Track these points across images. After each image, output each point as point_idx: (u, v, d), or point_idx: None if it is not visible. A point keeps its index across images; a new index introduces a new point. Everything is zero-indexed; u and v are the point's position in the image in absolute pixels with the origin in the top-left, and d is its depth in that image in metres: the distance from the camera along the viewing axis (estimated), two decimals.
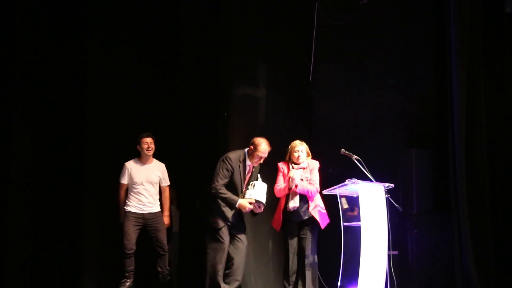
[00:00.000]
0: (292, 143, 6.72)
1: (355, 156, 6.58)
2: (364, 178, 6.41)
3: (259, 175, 6.55)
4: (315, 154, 6.92)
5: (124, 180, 7.06)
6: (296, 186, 6.44)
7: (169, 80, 8.46)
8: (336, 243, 6.43)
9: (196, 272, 7.34)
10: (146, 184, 7.01)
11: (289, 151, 6.71)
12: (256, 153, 6.47)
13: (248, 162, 6.53)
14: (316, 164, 6.67)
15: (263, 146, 6.48)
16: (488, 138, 6.73)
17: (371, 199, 6.31)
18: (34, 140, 7.80)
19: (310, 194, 6.48)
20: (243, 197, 6.45)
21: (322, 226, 6.49)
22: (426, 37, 7.51)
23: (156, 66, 8.59)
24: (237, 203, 6.36)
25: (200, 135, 7.72)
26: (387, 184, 6.43)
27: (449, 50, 6.81)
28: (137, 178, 7.01)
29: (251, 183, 6.49)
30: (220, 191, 6.35)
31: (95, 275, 7.85)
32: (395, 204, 6.58)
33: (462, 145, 6.61)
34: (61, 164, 7.89)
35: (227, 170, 6.41)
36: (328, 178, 7.03)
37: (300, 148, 6.65)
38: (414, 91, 7.50)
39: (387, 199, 6.44)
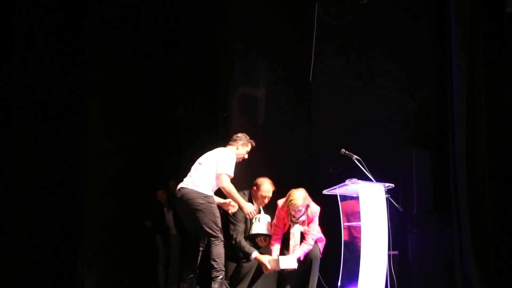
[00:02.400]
0: (291, 196, 6.12)
1: (355, 156, 6.58)
2: (364, 178, 6.40)
3: (261, 207, 6.42)
4: (315, 154, 6.89)
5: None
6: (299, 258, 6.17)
7: (169, 79, 8.48)
8: (336, 243, 6.43)
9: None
10: None
11: (287, 202, 6.15)
12: (260, 193, 6.35)
13: (254, 205, 6.31)
14: (316, 212, 6.35)
15: (266, 185, 6.35)
16: (489, 138, 6.72)
17: (371, 199, 6.31)
18: (34, 139, 7.83)
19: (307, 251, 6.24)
20: (250, 231, 6.32)
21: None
22: (427, 37, 7.50)
23: (156, 66, 8.62)
24: (253, 255, 6.15)
25: (200, 135, 7.71)
26: (387, 184, 6.43)
27: (450, 50, 6.80)
28: None
29: (255, 217, 6.27)
30: (243, 242, 6.19)
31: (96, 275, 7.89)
32: (395, 204, 6.58)
33: (462, 145, 6.60)
34: (62, 164, 7.93)
35: (242, 215, 6.24)
36: (328, 178, 7.03)
37: (299, 209, 6.13)
38: (415, 91, 7.49)
39: (387, 199, 6.43)
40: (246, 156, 6.38)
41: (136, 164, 8.47)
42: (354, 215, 6.43)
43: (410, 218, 6.92)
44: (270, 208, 6.49)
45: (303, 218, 6.27)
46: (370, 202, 6.28)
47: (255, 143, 6.49)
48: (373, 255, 6.16)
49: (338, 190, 6.41)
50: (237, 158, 6.15)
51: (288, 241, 6.25)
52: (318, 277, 6.58)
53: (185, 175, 6.18)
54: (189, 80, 8.24)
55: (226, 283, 5.87)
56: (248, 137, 6.31)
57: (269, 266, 6.07)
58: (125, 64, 8.28)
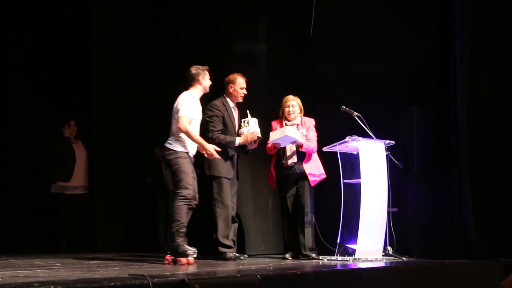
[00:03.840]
0: (284, 97, 6.63)
1: (355, 113, 6.54)
2: (365, 135, 6.37)
3: (248, 111, 6.39)
4: (316, 110, 6.86)
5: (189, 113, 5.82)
6: (301, 146, 6.39)
7: (168, 39, 8.43)
8: (336, 200, 6.44)
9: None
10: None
11: (281, 106, 6.63)
12: (236, 87, 6.38)
13: (231, 104, 6.43)
14: (312, 122, 6.64)
15: (240, 78, 6.41)
16: (491, 96, 6.67)
17: (371, 156, 6.29)
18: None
19: (312, 152, 6.45)
20: (240, 134, 6.32)
21: (313, 183, 6.47)
22: None
23: (154, 24, 8.56)
24: (237, 141, 6.25)
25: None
26: (387, 141, 6.40)
27: (453, 6, 6.69)
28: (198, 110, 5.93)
29: (242, 120, 6.36)
30: (220, 136, 6.23)
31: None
32: (396, 162, 6.57)
33: (464, 102, 6.55)
34: None
35: (217, 116, 6.30)
36: (328, 135, 6.99)
37: (292, 103, 6.56)
38: (417, 48, 7.39)
39: (387, 156, 6.42)
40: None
41: (138, 123, 8.65)
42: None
43: (410, 176, 6.91)
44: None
45: (297, 121, 6.51)
46: (370, 159, 6.27)
47: (258, 99, 6.58)
48: (372, 212, 6.18)
49: (338, 147, 6.39)
50: (204, 90, 5.94)
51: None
52: (318, 233, 6.62)
53: None
54: (188, 38, 8.15)
55: (183, 235, 5.61)
56: (200, 66, 5.97)
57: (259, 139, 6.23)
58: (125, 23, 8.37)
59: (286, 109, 6.56)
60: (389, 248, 6.35)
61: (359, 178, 6.20)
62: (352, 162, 6.57)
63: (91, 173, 8.21)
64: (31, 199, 8.14)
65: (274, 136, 6.36)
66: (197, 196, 5.68)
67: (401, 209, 6.86)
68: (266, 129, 6.53)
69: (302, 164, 6.48)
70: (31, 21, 8.22)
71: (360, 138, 6.24)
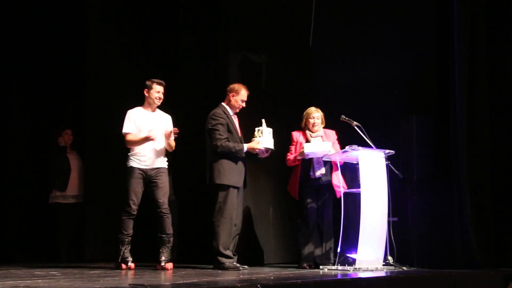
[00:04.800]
0: (307, 109, 6.73)
1: (355, 123, 6.55)
2: (365, 144, 6.38)
3: (263, 120, 6.38)
4: None
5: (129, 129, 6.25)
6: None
7: (166, 45, 8.42)
8: (336, 210, 6.44)
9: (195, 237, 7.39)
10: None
11: (304, 117, 6.70)
12: (238, 98, 6.37)
13: (231, 112, 6.42)
14: (334, 134, 6.73)
15: (243, 91, 6.41)
16: (490, 104, 6.68)
17: (371, 165, 6.29)
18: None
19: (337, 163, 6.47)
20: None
21: (339, 194, 6.48)
22: (429, 0, 7.39)
23: (153, 30, 8.55)
24: (245, 148, 6.24)
25: (199, 103, 7.65)
26: (387, 151, 6.40)
27: (451, 14, 6.72)
28: (144, 126, 6.23)
29: (256, 129, 6.32)
30: (230, 144, 6.20)
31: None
32: (395, 171, 6.57)
33: (463, 111, 6.56)
34: None
35: (221, 124, 6.28)
36: None
37: (316, 115, 6.66)
38: (416, 57, 7.41)
39: (387, 165, 6.42)
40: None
41: None
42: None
43: (410, 185, 6.91)
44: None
45: (320, 133, 6.62)
46: (370, 168, 6.27)
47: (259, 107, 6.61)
48: (372, 222, 6.17)
49: (338, 157, 6.39)
50: (153, 101, 6.28)
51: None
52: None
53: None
54: (187, 47, 8.16)
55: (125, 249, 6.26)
56: (150, 81, 6.35)
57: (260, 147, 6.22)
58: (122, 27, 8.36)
59: (311, 120, 6.64)
60: (389, 257, 6.33)
61: (359, 187, 6.21)
62: (352, 171, 6.58)
63: (86, 182, 8.19)
64: (31, 209, 8.12)
65: (310, 149, 6.40)
66: None
67: (401, 219, 6.85)
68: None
69: (330, 175, 6.52)
70: (24, 25, 8.17)
71: (360, 148, 6.25)
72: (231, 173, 6.22)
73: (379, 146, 6.45)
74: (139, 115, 6.28)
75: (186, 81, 8.13)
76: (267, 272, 5.79)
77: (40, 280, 4.60)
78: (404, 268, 6.24)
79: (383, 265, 6.26)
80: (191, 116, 7.23)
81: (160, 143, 6.24)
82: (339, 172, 6.51)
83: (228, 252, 6.20)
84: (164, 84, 6.38)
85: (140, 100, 8.41)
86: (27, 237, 8.04)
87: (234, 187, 6.25)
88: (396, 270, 6.18)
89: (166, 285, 4.14)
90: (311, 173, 6.53)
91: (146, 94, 6.32)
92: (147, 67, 8.41)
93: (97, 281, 4.61)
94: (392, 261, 6.33)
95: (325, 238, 6.53)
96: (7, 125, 8.17)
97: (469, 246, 6.40)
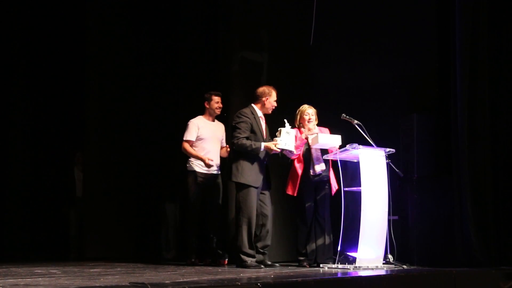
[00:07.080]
0: (300, 107, 6.75)
1: (356, 121, 6.55)
2: (365, 143, 6.38)
3: (286, 120, 6.37)
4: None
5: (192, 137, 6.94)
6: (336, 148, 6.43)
7: (168, 47, 8.43)
8: (336, 208, 6.43)
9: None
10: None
11: (298, 115, 6.73)
12: (271, 99, 6.45)
13: (260, 114, 6.47)
14: (327, 131, 6.73)
15: (274, 92, 6.50)
16: (491, 103, 6.67)
17: (372, 164, 6.29)
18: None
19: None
20: (275, 141, 6.30)
21: (334, 190, 6.56)
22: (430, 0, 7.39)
23: (154, 30, 8.55)
24: (262, 147, 6.25)
25: (199, 103, 7.65)
26: (388, 149, 6.40)
27: (453, 13, 6.71)
28: (206, 135, 6.93)
29: (279, 129, 6.31)
30: (245, 142, 6.22)
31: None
32: (396, 169, 6.57)
33: (464, 110, 6.55)
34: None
35: (245, 122, 6.31)
36: None
37: (310, 112, 6.70)
38: (416, 56, 7.41)
39: (388, 164, 6.42)
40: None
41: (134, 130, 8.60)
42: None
43: (411, 183, 6.91)
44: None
45: (316, 130, 6.64)
46: (370, 167, 6.27)
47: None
48: (373, 220, 6.17)
49: (338, 155, 6.39)
50: (214, 111, 6.99)
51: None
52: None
53: None
54: (188, 46, 8.16)
55: None
56: (208, 94, 6.99)
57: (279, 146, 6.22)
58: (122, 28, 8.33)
59: (306, 116, 6.67)
60: (389, 256, 6.33)
61: (360, 186, 6.20)
62: (352, 170, 6.57)
63: (86, 182, 8.21)
64: (32, 207, 8.14)
65: (324, 139, 6.44)
66: None
67: (402, 217, 6.86)
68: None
69: (329, 171, 6.57)
70: (24, 25, 8.22)
71: (361, 146, 6.25)
72: (248, 172, 6.26)
73: (379, 144, 6.44)
74: (202, 124, 6.97)
75: (186, 81, 8.14)
76: (268, 271, 5.79)
77: (40, 279, 4.60)
78: (405, 266, 6.24)
79: (383, 263, 6.26)
80: (192, 116, 7.21)
81: (217, 150, 6.99)
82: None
83: (250, 251, 6.24)
84: (221, 94, 7.01)
85: (140, 100, 8.49)
86: (27, 237, 8.05)
87: (254, 187, 6.27)
88: (396, 268, 6.18)
89: (167, 283, 4.14)
90: (311, 169, 6.53)
91: (207, 106, 7.00)
92: (147, 67, 8.44)
93: (97, 279, 4.61)
94: (392, 259, 6.33)
95: (326, 234, 6.55)
96: (7, 125, 8.17)
97: (469, 244, 6.40)
